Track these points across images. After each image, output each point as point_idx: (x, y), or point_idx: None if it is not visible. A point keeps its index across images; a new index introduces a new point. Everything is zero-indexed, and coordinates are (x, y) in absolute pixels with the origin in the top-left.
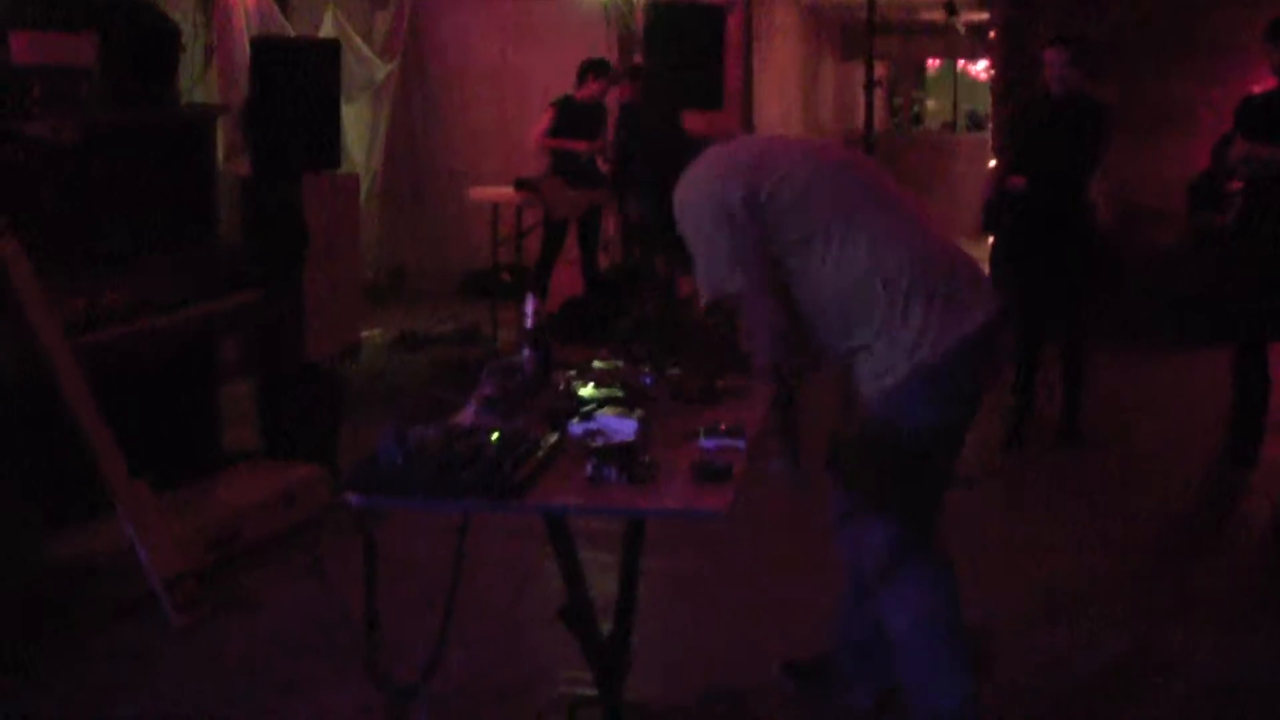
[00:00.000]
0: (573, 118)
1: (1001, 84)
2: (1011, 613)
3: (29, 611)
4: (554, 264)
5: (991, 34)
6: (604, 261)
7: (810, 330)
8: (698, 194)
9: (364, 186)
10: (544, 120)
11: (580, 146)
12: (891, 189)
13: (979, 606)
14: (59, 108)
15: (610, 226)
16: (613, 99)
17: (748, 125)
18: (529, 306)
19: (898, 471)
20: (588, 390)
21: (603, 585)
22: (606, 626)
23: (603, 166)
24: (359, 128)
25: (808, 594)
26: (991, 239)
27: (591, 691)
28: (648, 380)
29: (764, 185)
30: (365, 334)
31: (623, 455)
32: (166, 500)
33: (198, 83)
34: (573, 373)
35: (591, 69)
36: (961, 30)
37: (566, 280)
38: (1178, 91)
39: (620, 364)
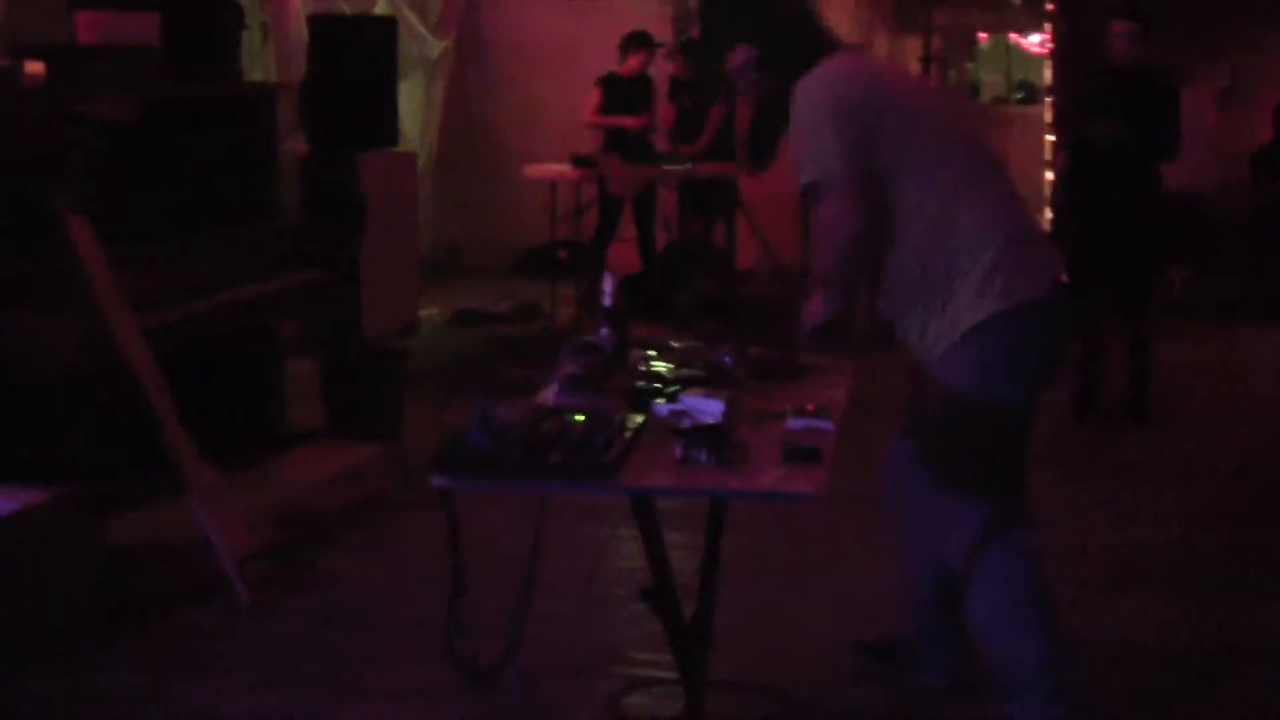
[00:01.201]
0: (620, 94)
1: (1060, 55)
2: (1080, 582)
3: (99, 594)
4: (610, 241)
5: (1049, 5)
6: (662, 239)
7: (880, 271)
8: (820, 86)
9: (419, 163)
10: (592, 99)
11: (629, 123)
12: (995, 159)
13: (1048, 578)
14: (123, 86)
15: (668, 203)
16: (661, 72)
17: None
18: (607, 285)
19: (980, 447)
20: (668, 370)
21: (674, 564)
22: (685, 607)
23: (656, 140)
24: (413, 105)
25: (887, 573)
26: (1053, 212)
27: (667, 675)
28: (727, 359)
29: (885, 104)
30: (423, 312)
31: (713, 436)
32: (234, 480)
33: (255, 61)
34: (651, 352)
35: (632, 43)
36: (1016, 1)
37: (624, 257)
38: (1241, 62)
39: (698, 343)
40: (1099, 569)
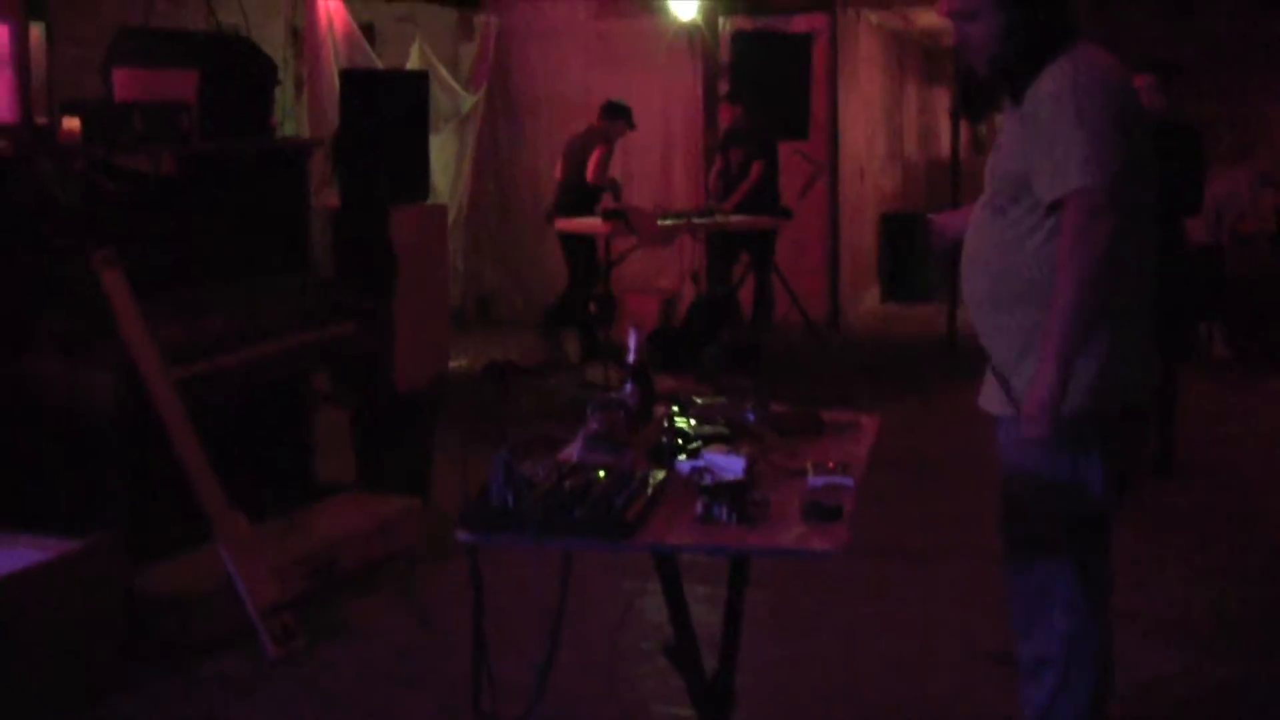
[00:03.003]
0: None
1: None
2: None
3: (129, 643)
4: (587, 290)
5: None
6: (690, 291)
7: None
8: (1095, 76)
9: (450, 216)
10: (596, 158)
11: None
12: None
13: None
14: (159, 142)
15: (696, 255)
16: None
17: (834, 154)
18: (631, 340)
19: (1067, 532)
20: (691, 426)
21: (699, 617)
22: (708, 662)
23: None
24: (444, 158)
25: (911, 626)
26: None
27: None
28: (750, 416)
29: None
30: (453, 363)
31: (734, 494)
32: (263, 531)
33: (288, 115)
34: (675, 408)
35: (620, 113)
36: None
37: (648, 310)
38: (1272, 112)
39: (722, 399)
40: (1143, 622)
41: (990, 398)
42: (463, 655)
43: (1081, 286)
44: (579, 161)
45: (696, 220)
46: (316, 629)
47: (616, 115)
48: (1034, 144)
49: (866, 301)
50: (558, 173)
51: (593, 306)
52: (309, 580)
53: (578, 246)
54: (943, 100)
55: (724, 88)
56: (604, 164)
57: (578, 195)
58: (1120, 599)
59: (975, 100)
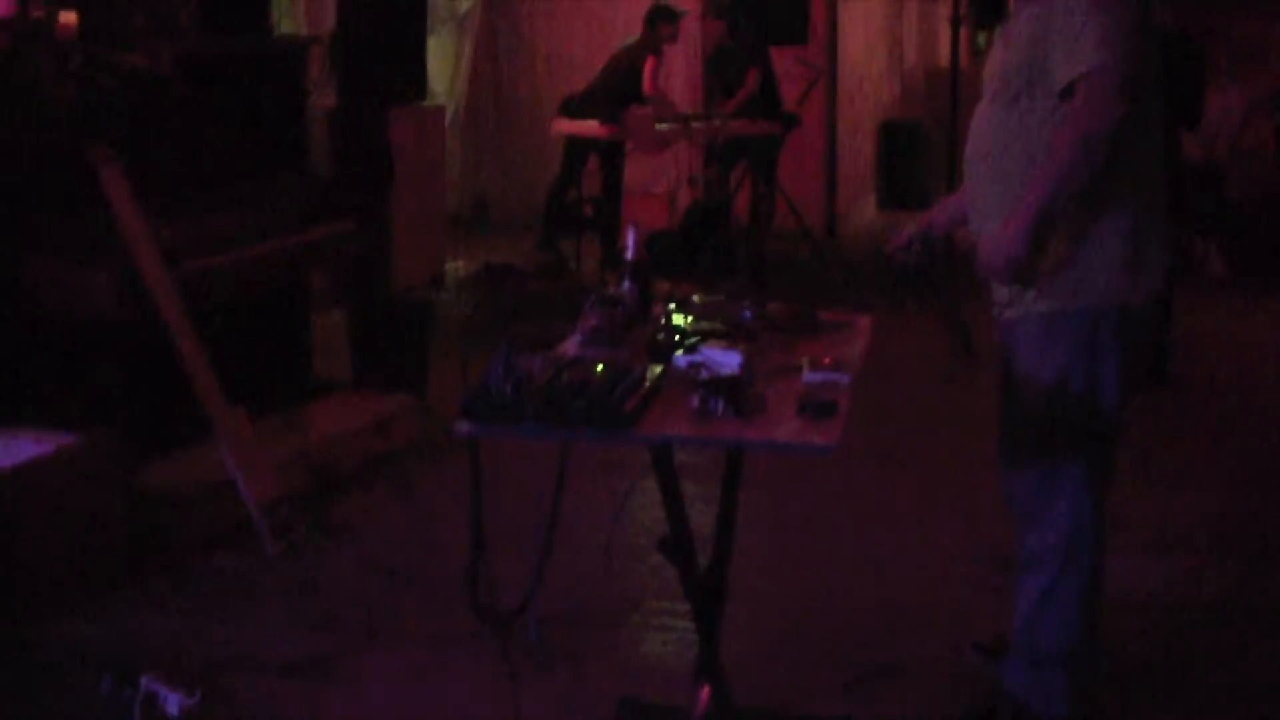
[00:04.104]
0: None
1: None
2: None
3: (130, 538)
4: (568, 187)
5: None
6: (688, 197)
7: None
8: None
9: (448, 118)
10: (649, 69)
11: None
12: None
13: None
14: (156, 38)
15: (694, 162)
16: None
17: (833, 60)
18: (629, 238)
19: (1081, 432)
20: (688, 323)
21: (691, 516)
22: (702, 560)
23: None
24: (442, 60)
25: (901, 528)
26: None
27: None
28: (747, 314)
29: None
30: (450, 265)
31: (730, 388)
32: (262, 428)
33: (285, 15)
34: (672, 305)
35: (666, 15)
36: None
37: (649, 213)
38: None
39: (720, 297)
40: (1134, 532)
41: (1002, 300)
42: (458, 552)
43: (1075, 155)
44: (623, 70)
45: (694, 124)
46: (314, 526)
47: (654, 22)
48: (1050, 31)
49: (865, 210)
50: (596, 75)
51: (589, 209)
52: (307, 477)
53: (574, 148)
54: (943, 8)
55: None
56: (657, 75)
57: (606, 99)
58: (1108, 509)
59: (988, 3)
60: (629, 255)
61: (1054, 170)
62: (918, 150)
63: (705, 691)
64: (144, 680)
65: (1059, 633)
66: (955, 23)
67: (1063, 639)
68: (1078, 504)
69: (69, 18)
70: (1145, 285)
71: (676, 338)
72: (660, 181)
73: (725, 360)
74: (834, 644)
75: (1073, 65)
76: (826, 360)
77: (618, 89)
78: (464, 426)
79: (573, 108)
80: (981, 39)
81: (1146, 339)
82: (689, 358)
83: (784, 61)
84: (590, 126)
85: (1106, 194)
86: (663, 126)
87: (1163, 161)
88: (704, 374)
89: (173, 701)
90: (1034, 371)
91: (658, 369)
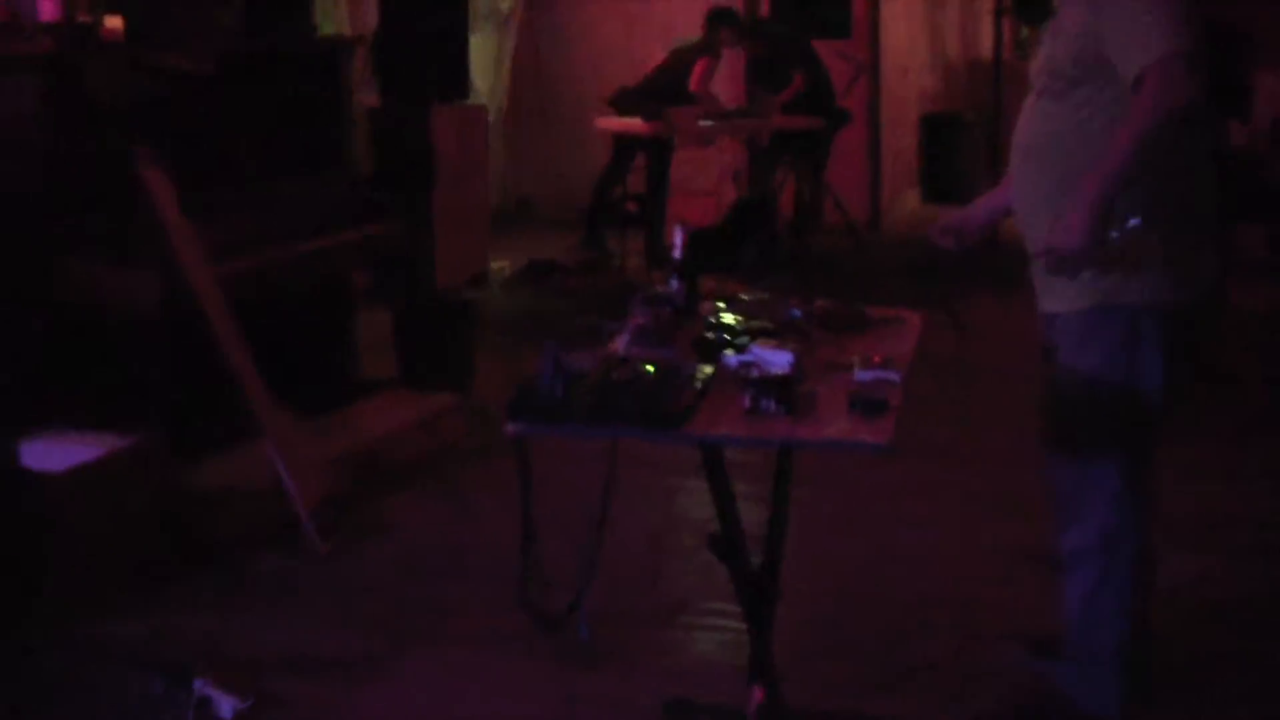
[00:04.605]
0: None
1: None
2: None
3: (177, 538)
4: (615, 185)
5: None
6: (732, 193)
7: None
8: None
9: (490, 116)
10: (700, 68)
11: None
12: None
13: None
14: (200, 40)
15: (741, 157)
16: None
17: (875, 53)
18: (677, 237)
19: (1120, 429)
20: (737, 321)
21: (744, 516)
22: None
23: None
24: (483, 58)
25: (949, 525)
26: None
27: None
28: (795, 312)
29: None
30: (493, 263)
31: (781, 387)
32: (308, 427)
33: (327, 14)
34: (720, 304)
35: (725, 19)
36: None
37: (695, 210)
38: None
39: (764, 294)
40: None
41: (1048, 295)
42: (506, 550)
43: (1139, 142)
44: (677, 69)
45: (737, 121)
46: (361, 525)
47: (713, 25)
48: (1103, 21)
49: (908, 203)
50: (649, 68)
51: (632, 206)
52: (353, 477)
53: (621, 145)
54: (985, 1)
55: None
56: (708, 76)
57: (649, 97)
58: (1170, 504)
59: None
60: (676, 253)
61: (1120, 154)
62: (960, 143)
63: (758, 692)
64: (197, 684)
65: (1106, 633)
66: (998, 14)
67: (1109, 639)
68: (1116, 503)
69: (114, 22)
70: (1191, 284)
71: (726, 336)
72: (706, 178)
73: (775, 359)
74: (878, 642)
75: (1143, 54)
76: (877, 358)
77: (667, 87)
78: (513, 426)
79: (622, 102)
80: (1025, 30)
81: (1192, 338)
82: (739, 356)
83: (826, 56)
84: (634, 123)
85: (1150, 190)
86: (706, 123)
87: (1209, 157)
88: (754, 373)
89: (226, 706)
90: (1074, 366)
91: (708, 368)
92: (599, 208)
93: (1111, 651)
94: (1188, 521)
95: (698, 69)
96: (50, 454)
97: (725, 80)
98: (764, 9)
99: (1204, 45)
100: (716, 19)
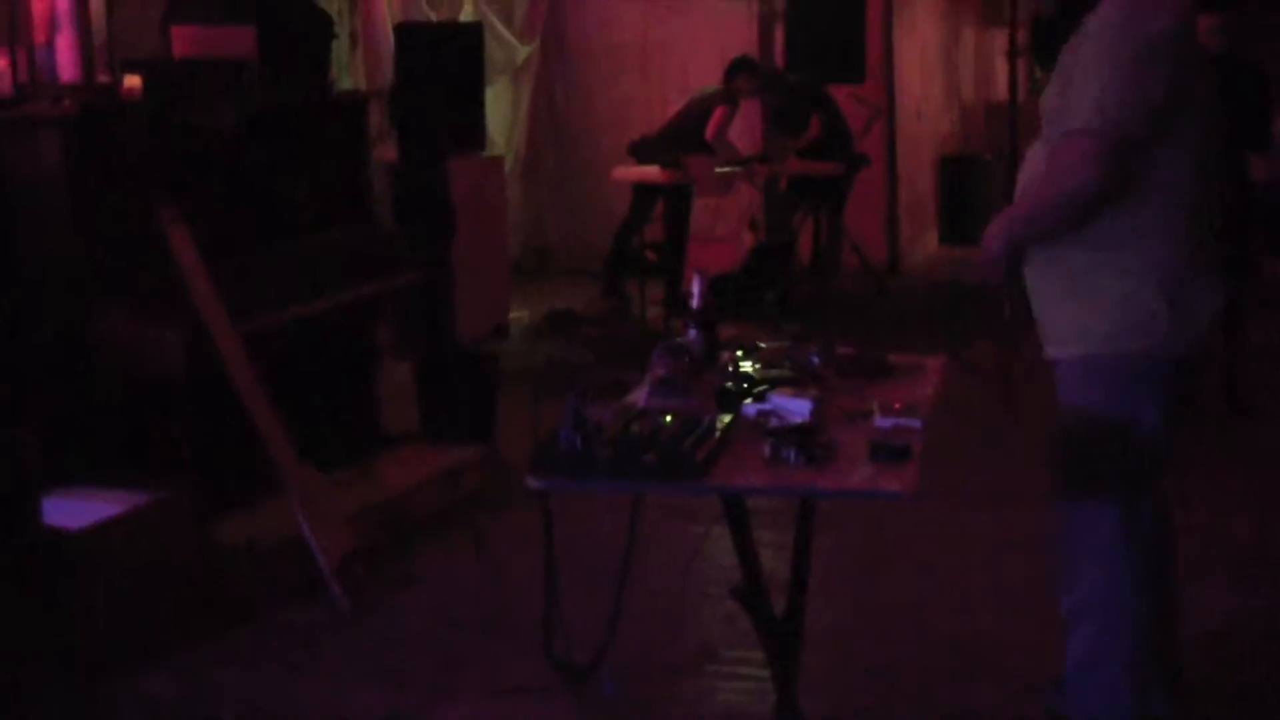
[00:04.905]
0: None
1: None
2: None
3: (204, 594)
4: (636, 234)
5: None
6: (750, 240)
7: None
8: (1136, 19)
9: (507, 167)
10: (718, 116)
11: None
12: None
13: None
14: (219, 97)
15: (759, 203)
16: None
17: (890, 97)
18: (695, 286)
19: (1116, 479)
20: (756, 370)
21: (763, 562)
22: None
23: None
24: (500, 109)
25: (975, 569)
26: None
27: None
28: (815, 359)
29: (1190, 50)
30: (513, 314)
31: (801, 436)
32: (332, 481)
33: (344, 69)
34: (739, 352)
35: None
36: None
37: (714, 258)
38: None
39: (785, 342)
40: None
41: (1050, 341)
42: (531, 601)
43: (1043, 213)
44: (694, 117)
45: (755, 166)
46: (386, 578)
47: (731, 74)
48: (1074, 78)
49: (926, 245)
50: (668, 115)
51: (651, 255)
52: (378, 530)
53: (641, 193)
54: (1000, 42)
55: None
56: (724, 125)
57: (669, 145)
58: (1186, 538)
59: (1045, 43)
60: (695, 303)
61: (1023, 216)
62: (978, 184)
63: None
64: None
65: (1105, 697)
66: (1011, 56)
67: (1109, 704)
68: (1111, 559)
69: (133, 81)
70: (1187, 331)
71: (745, 385)
72: (724, 225)
73: (795, 407)
74: (908, 687)
75: (1068, 119)
76: (897, 405)
77: (684, 134)
78: (535, 482)
79: (642, 151)
80: (1038, 72)
81: (1191, 385)
82: (758, 406)
83: (841, 101)
84: (652, 172)
85: (1136, 241)
86: (724, 170)
87: (1210, 196)
88: (774, 422)
89: None
90: (1071, 413)
91: (727, 418)
92: (620, 257)
93: (1111, 717)
94: (1224, 559)
95: (714, 117)
96: (73, 510)
97: (743, 126)
98: (778, 53)
99: (1147, 124)
100: (735, 69)
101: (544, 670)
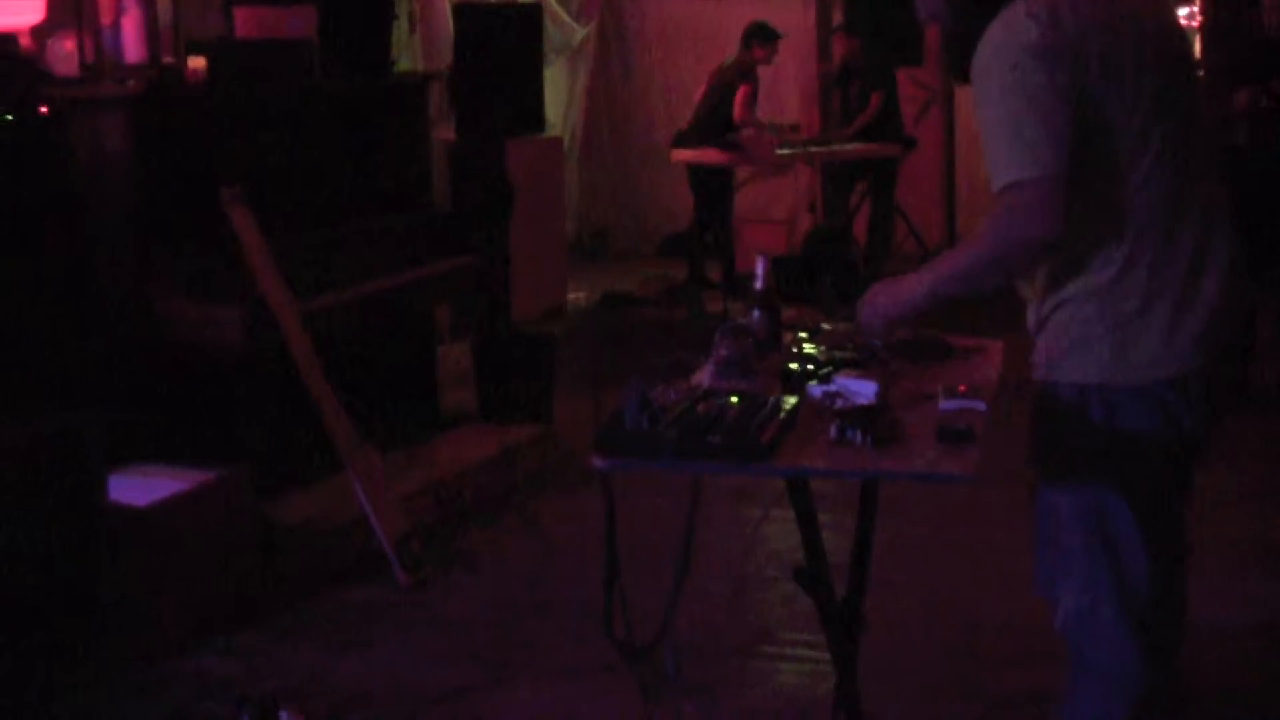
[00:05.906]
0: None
1: (1209, 28)
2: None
3: (265, 573)
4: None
5: None
6: (807, 222)
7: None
8: (1012, 43)
9: (564, 149)
10: (743, 95)
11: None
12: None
13: None
14: (282, 79)
15: (814, 185)
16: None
17: (949, 80)
18: (759, 267)
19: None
20: (820, 351)
21: (827, 546)
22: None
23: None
24: (557, 91)
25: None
26: None
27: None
28: (876, 341)
29: (1091, 49)
30: (570, 295)
31: (867, 417)
32: (390, 461)
33: (403, 51)
34: (802, 334)
35: (763, 34)
36: None
37: (771, 240)
38: None
39: (844, 324)
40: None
41: (1034, 361)
42: (588, 582)
43: (974, 268)
44: (719, 94)
45: (813, 149)
46: (444, 558)
47: (748, 43)
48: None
49: None
50: (697, 96)
51: (709, 237)
52: (436, 510)
53: (704, 177)
54: None
55: (839, 18)
56: (750, 103)
57: (707, 127)
58: (1200, 531)
59: (954, 57)
60: (759, 284)
61: (954, 270)
62: None
63: None
64: (283, 715)
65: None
66: None
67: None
68: (1080, 602)
69: (198, 62)
70: (1176, 360)
71: (809, 367)
72: (779, 207)
73: (860, 389)
74: (966, 671)
75: (996, 175)
76: (962, 387)
77: (715, 123)
78: (600, 461)
79: (683, 145)
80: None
81: (1183, 414)
82: (823, 387)
83: (899, 82)
84: (710, 154)
85: (1106, 272)
86: (784, 151)
87: (1194, 212)
88: (839, 403)
89: None
90: (1049, 442)
91: (792, 399)
92: (699, 244)
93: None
94: (1237, 553)
95: (739, 97)
96: (137, 488)
97: (794, 100)
98: (835, 36)
99: (1076, 161)
100: (751, 36)
101: (603, 650)
